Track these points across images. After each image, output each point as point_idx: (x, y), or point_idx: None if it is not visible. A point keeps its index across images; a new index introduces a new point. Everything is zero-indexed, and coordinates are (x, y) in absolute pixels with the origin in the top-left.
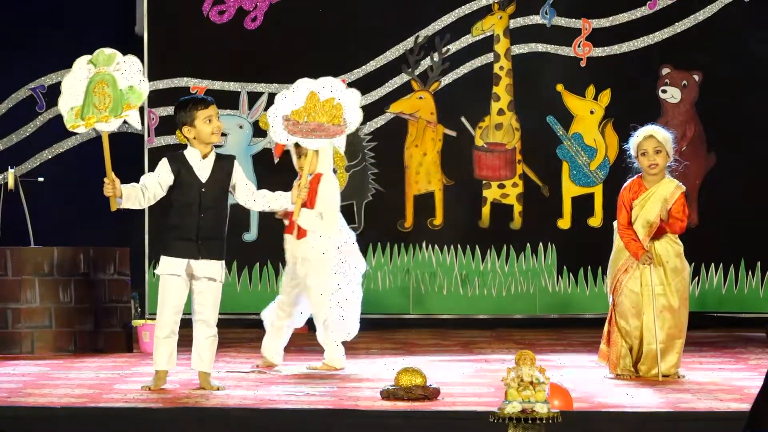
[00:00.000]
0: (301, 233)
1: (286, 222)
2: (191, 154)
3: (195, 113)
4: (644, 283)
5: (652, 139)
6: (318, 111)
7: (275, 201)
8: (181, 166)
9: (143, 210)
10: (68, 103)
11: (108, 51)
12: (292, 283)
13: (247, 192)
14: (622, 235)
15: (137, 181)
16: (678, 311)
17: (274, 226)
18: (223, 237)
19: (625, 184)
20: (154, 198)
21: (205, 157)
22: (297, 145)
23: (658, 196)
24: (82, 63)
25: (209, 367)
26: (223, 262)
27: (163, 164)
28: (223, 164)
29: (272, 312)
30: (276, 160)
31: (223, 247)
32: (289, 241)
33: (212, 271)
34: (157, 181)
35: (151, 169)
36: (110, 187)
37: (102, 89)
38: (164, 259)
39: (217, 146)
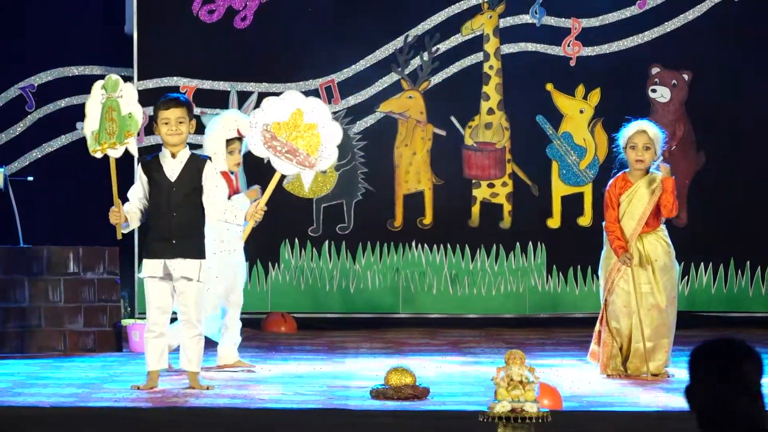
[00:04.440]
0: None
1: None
2: (163, 153)
3: (157, 112)
4: (635, 282)
5: (644, 134)
6: (299, 132)
7: (231, 213)
8: (153, 166)
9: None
10: (89, 127)
11: (114, 77)
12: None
13: (206, 198)
14: (608, 233)
15: (128, 182)
16: (666, 310)
17: (264, 225)
18: (201, 235)
19: (610, 181)
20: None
21: (174, 156)
22: (231, 141)
23: (644, 191)
24: (97, 87)
25: (197, 366)
26: (203, 261)
27: (138, 168)
28: (195, 164)
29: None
30: None
31: (200, 246)
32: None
33: (189, 270)
34: (141, 189)
35: None
36: (116, 214)
37: (111, 115)
38: (144, 262)
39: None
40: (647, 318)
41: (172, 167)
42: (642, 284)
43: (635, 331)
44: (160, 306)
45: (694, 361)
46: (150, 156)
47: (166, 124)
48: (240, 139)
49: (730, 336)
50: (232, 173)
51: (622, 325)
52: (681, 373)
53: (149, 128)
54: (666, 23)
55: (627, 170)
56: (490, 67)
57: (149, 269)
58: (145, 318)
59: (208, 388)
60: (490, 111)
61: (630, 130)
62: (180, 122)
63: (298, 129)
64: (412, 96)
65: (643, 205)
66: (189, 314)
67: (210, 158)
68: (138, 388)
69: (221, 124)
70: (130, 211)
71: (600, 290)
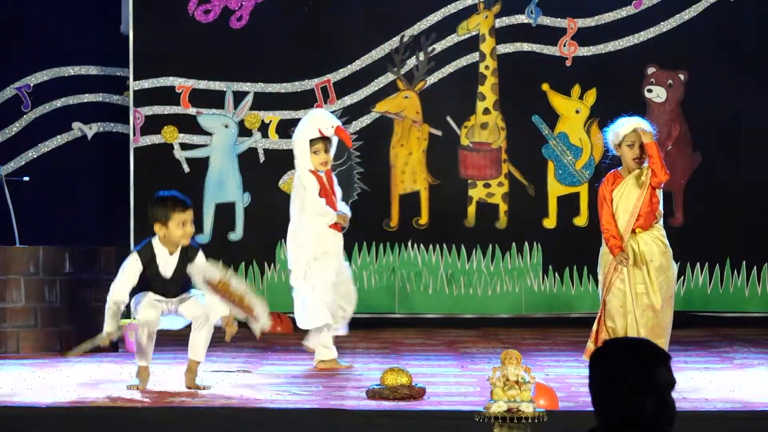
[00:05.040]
0: (339, 228)
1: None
2: (159, 249)
3: (171, 214)
4: (630, 282)
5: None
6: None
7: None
8: (150, 259)
9: (129, 210)
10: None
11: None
12: (340, 279)
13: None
14: (603, 231)
15: (125, 182)
16: (661, 310)
17: (259, 225)
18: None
19: (603, 180)
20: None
21: (172, 253)
22: (314, 141)
23: (633, 181)
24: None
25: (202, 357)
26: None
27: (133, 261)
28: (188, 257)
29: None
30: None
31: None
32: (336, 237)
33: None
34: (129, 284)
35: (137, 168)
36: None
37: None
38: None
39: (201, 145)
40: (642, 318)
41: (168, 263)
42: (637, 284)
43: (631, 332)
44: (153, 305)
45: (607, 360)
46: (142, 247)
47: (183, 225)
48: (324, 138)
49: (640, 339)
50: (320, 172)
51: (618, 324)
52: (677, 372)
53: (145, 129)
54: (662, 23)
55: (620, 168)
56: (486, 67)
57: (147, 296)
58: None
59: (204, 388)
60: (486, 111)
61: (626, 128)
62: (192, 223)
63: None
64: (408, 96)
65: (634, 196)
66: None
67: (200, 247)
68: (136, 389)
69: (305, 124)
70: (115, 321)
71: (599, 289)
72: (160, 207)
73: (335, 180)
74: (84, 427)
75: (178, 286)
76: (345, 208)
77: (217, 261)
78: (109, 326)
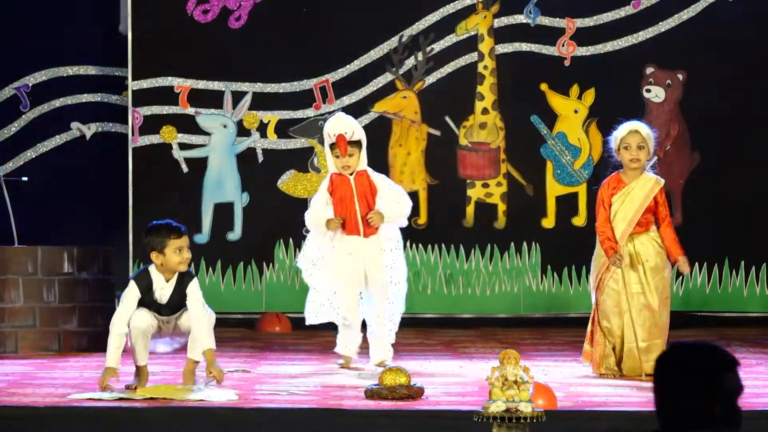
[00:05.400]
0: (370, 231)
1: (339, 231)
2: (156, 277)
3: (167, 241)
4: (625, 282)
5: (637, 134)
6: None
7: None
8: (147, 287)
9: (128, 211)
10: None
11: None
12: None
13: (192, 316)
14: (599, 233)
15: (124, 182)
16: (657, 310)
17: (258, 225)
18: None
19: (603, 182)
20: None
21: (168, 280)
22: (333, 146)
23: (638, 193)
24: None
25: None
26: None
27: (132, 290)
28: (183, 284)
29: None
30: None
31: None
32: (354, 241)
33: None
34: (130, 314)
35: (135, 168)
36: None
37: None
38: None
39: (200, 145)
40: (639, 318)
41: (164, 290)
42: (632, 284)
43: (627, 331)
44: (146, 312)
45: (674, 365)
46: (140, 275)
47: (179, 252)
48: (349, 142)
49: (710, 342)
50: (348, 175)
51: (613, 324)
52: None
53: (144, 129)
54: (661, 23)
55: (621, 170)
56: (485, 67)
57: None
58: None
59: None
60: (485, 111)
61: (622, 131)
62: (188, 248)
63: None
64: (406, 96)
65: (635, 206)
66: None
67: (195, 275)
68: (134, 389)
69: (324, 129)
70: (119, 352)
71: (590, 289)
72: (155, 235)
73: (382, 182)
74: (84, 427)
75: (174, 310)
76: (386, 209)
77: (216, 261)
78: (112, 361)
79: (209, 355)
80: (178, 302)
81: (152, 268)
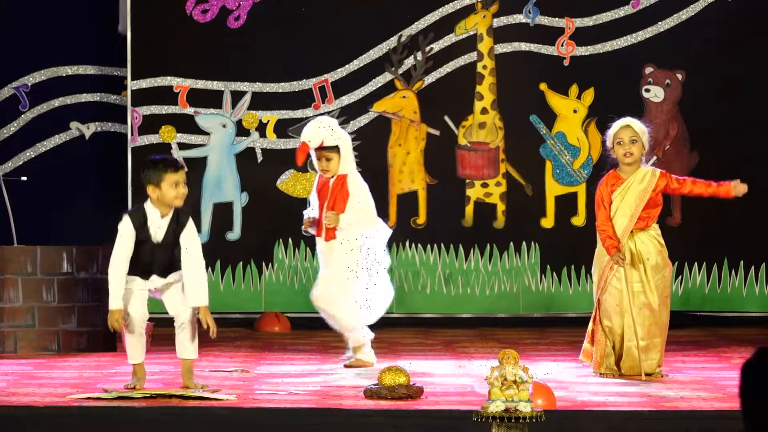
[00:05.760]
0: (329, 235)
1: (313, 230)
2: (151, 212)
3: (163, 175)
4: (627, 281)
5: (629, 128)
6: None
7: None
8: (142, 222)
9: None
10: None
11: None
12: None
13: (184, 255)
14: (600, 232)
15: (123, 182)
16: (657, 309)
17: (257, 225)
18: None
19: (601, 180)
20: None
21: (164, 216)
22: (319, 149)
23: (636, 187)
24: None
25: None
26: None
27: (126, 226)
28: (179, 221)
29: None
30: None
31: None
32: (320, 244)
33: (172, 277)
34: (127, 249)
35: (135, 168)
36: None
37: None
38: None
39: (199, 145)
40: (639, 317)
41: (159, 226)
42: (634, 283)
43: (627, 330)
44: (139, 296)
45: (762, 367)
46: (134, 210)
47: (176, 186)
48: (322, 147)
49: None
50: (330, 177)
51: (614, 323)
52: (675, 372)
53: (143, 128)
54: (660, 23)
55: (617, 168)
56: (484, 67)
57: (135, 283)
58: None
59: (201, 388)
60: (484, 111)
61: (614, 128)
62: (185, 184)
63: None
64: (405, 96)
65: (635, 201)
66: (179, 313)
67: (191, 214)
68: (133, 388)
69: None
70: (120, 292)
71: (593, 289)
72: (152, 169)
73: (356, 192)
74: (83, 426)
75: (167, 255)
76: (346, 216)
77: (215, 261)
78: (115, 302)
79: (204, 311)
80: (172, 242)
81: (148, 204)
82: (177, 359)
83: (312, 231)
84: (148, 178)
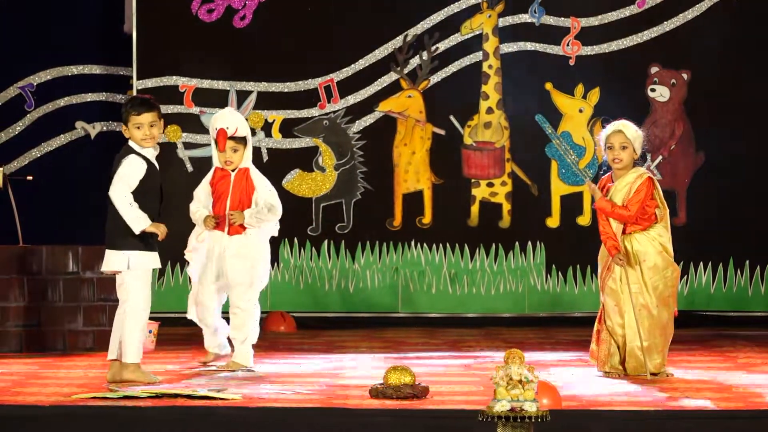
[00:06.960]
0: (234, 230)
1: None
2: (139, 150)
3: (128, 117)
4: (623, 281)
5: (620, 134)
6: None
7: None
8: (143, 157)
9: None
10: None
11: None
12: (219, 281)
13: None
14: (601, 233)
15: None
16: (655, 310)
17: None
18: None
19: (598, 182)
20: None
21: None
22: (230, 138)
23: (621, 189)
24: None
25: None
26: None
27: (136, 160)
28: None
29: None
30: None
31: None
32: (219, 237)
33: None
34: (136, 183)
35: None
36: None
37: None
38: (148, 255)
39: (205, 145)
40: (639, 317)
41: (154, 157)
42: (632, 284)
43: (629, 331)
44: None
45: None
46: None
47: (138, 128)
48: (227, 138)
49: None
50: (231, 171)
51: (615, 323)
52: (680, 372)
53: None
54: (665, 23)
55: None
56: (489, 67)
57: (155, 261)
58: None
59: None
60: (490, 110)
61: (607, 131)
62: (153, 126)
63: None
64: (411, 95)
65: (621, 203)
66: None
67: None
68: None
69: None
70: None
71: (599, 288)
72: (123, 108)
73: (261, 183)
74: (89, 426)
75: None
76: (249, 212)
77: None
78: (146, 219)
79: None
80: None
81: (131, 143)
82: (181, 359)
83: (210, 228)
84: (122, 117)
